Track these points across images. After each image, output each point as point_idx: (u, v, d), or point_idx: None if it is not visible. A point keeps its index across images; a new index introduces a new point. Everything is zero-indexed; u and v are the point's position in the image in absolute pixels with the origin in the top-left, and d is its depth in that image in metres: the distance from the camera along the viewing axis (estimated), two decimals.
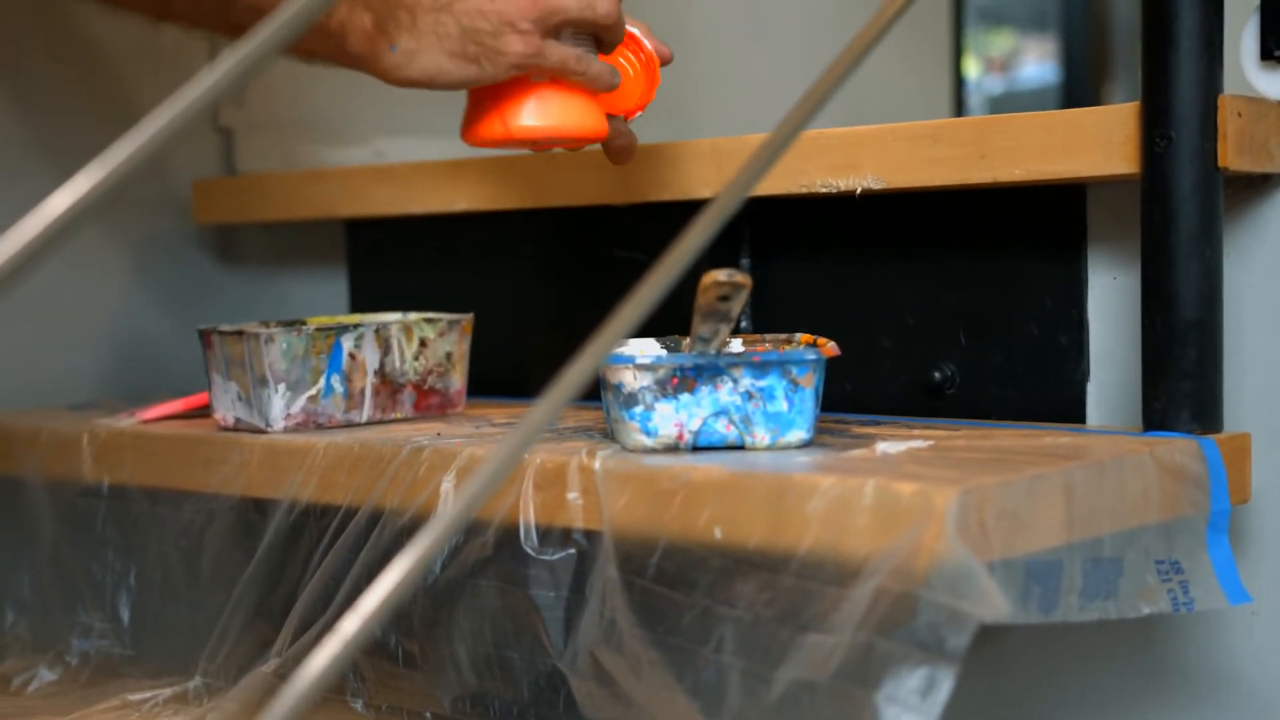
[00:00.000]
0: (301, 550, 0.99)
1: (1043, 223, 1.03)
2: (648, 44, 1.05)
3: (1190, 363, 0.90)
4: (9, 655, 1.15)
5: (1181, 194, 0.89)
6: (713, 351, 0.88)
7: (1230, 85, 0.91)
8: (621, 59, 1.05)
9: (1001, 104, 4.00)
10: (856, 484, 0.76)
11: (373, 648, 0.96)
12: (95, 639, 1.13)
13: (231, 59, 0.55)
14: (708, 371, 0.88)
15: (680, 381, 0.88)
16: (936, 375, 1.07)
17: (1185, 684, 1.01)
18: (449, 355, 1.13)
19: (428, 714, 0.95)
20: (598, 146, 1.06)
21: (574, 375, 0.64)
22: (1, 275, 0.46)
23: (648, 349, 0.97)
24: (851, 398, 1.10)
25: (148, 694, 1.05)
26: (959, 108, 2.53)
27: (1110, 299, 1.01)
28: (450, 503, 0.55)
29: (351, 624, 0.56)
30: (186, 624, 1.07)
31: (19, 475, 1.16)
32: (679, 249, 0.68)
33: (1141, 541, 0.85)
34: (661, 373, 0.88)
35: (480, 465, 0.58)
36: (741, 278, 0.83)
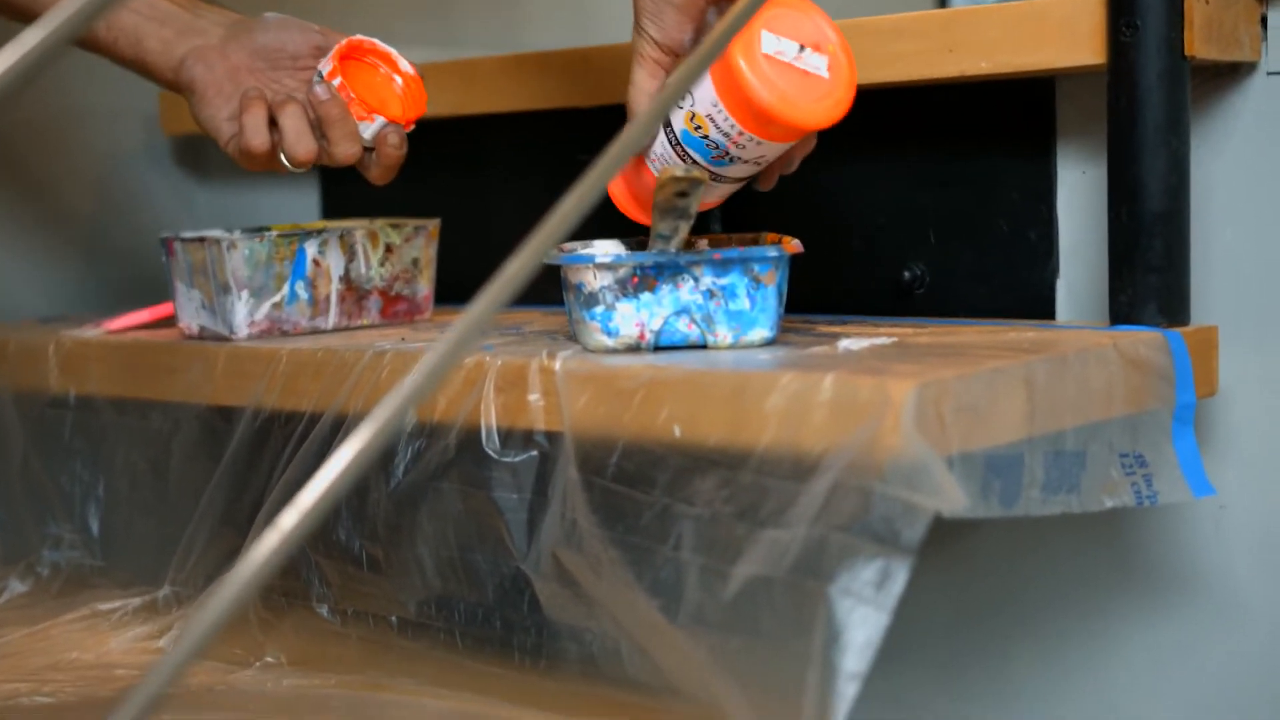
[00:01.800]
0: (266, 457, 0.99)
1: (1012, 118, 1.02)
2: (404, 64, 1.02)
3: (1157, 255, 0.89)
4: None
5: (1148, 83, 0.88)
6: (674, 250, 0.87)
7: None
8: (384, 72, 1.02)
9: None
10: (815, 379, 0.75)
11: (337, 553, 0.95)
12: (65, 550, 1.13)
13: None
14: (668, 270, 0.87)
15: (641, 280, 0.87)
16: (906, 274, 1.06)
17: (1153, 579, 1.01)
18: (415, 261, 1.12)
19: (393, 618, 0.94)
20: None
21: (509, 276, 0.62)
22: None
23: (612, 250, 0.96)
24: (821, 299, 1.09)
25: (117, 604, 1.04)
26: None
27: (1080, 194, 1.00)
28: (378, 407, 0.54)
29: (288, 520, 0.56)
30: (155, 534, 1.07)
31: None
32: (619, 144, 0.66)
33: (1105, 435, 0.84)
34: (622, 272, 0.87)
35: (417, 364, 0.57)
36: (698, 173, 0.82)
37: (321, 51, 1.01)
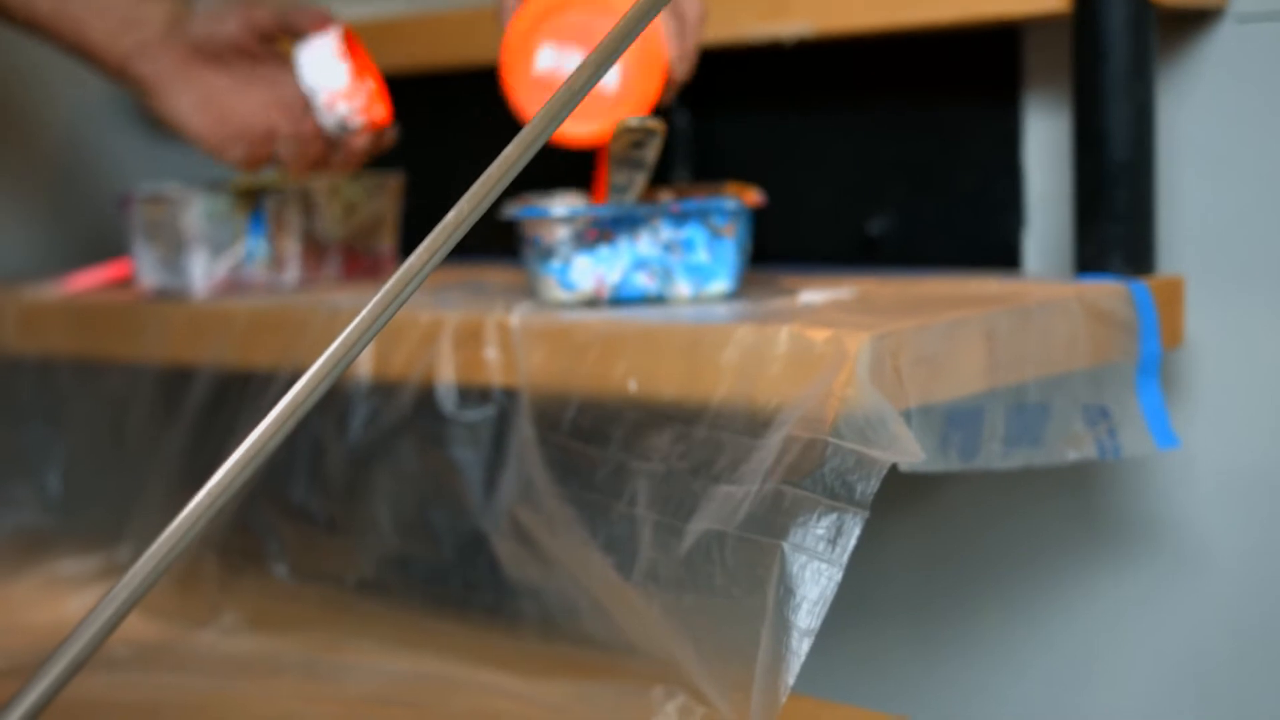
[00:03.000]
0: (224, 416, 0.97)
1: (978, 68, 1.01)
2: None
3: (1122, 205, 0.88)
4: None
5: (1113, 30, 0.87)
6: (630, 202, 0.86)
7: None
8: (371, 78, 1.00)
9: None
10: (770, 332, 0.74)
11: (294, 513, 0.94)
12: (25, 511, 1.12)
13: None
14: (626, 222, 0.86)
15: (598, 234, 0.86)
16: (871, 227, 1.04)
17: (1120, 530, 1.00)
18: (377, 216, 1.10)
19: (351, 578, 0.93)
20: None
21: (448, 226, 0.62)
22: None
23: (571, 202, 0.94)
24: (787, 251, 1.07)
25: (75, 565, 1.03)
26: None
27: (1047, 145, 0.99)
28: (315, 364, 0.53)
29: (214, 482, 0.54)
30: (114, 494, 1.05)
31: None
32: (560, 95, 0.65)
33: (1069, 387, 0.83)
34: (579, 225, 0.86)
35: (350, 321, 0.56)
36: (654, 123, 0.80)
37: (253, 26, 0.97)
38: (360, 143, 0.98)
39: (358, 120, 0.98)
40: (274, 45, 0.99)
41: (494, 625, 0.88)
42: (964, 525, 1.06)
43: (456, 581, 0.90)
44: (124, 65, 0.97)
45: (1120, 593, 1.00)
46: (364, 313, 0.57)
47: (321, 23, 0.98)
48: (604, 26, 0.80)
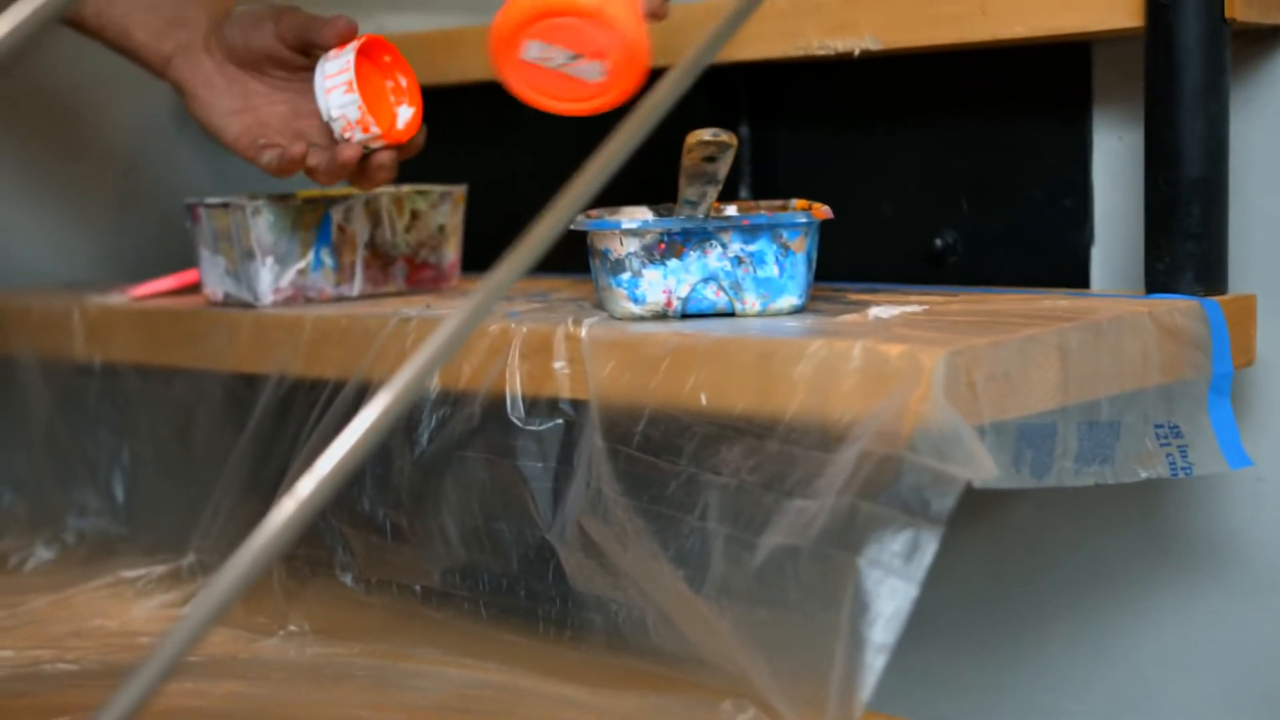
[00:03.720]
0: (291, 424, 0.98)
1: (1047, 83, 1.00)
2: (404, 80, 0.99)
3: (1194, 222, 0.88)
4: (6, 534, 1.15)
5: (1187, 47, 0.86)
6: (701, 216, 0.86)
7: None
8: (393, 81, 0.99)
9: None
10: (844, 347, 0.74)
11: (361, 522, 0.95)
12: (91, 517, 1.13)
13: None
14: (696, 236, 0.86)
15: (668, 247, 0.86)
16: (938, 242, 1.04)
17: (1188, 552, 1.00)
18: (441, 228, 1.11)
19: (417, 587, 0.94)
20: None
21: (533, 241, 0.61)
22: None
23: (639, 215, 0.94)
24: (852, 267, 1.07)
25: (141, 571, 1.04)
26: None
27: (1116, 160, 0.98)
28: (400, 371, 0.53)
29: (306, 487, 0.55)
30: (179, 501, 1.06)
31: (12, 353, 1.15)
32: (644, 109, 0.65)
33: (1140, 405, 0.82)
34: (648, 238, 0.86)
35: (438, 329, 0.56)
36: (727, 136, 0.80)
37: (281, 36, 0.96)
38: (385, 158, 0.97)
39: (377, 143, 0.97)
40: (307, 53, 0.98)
41: (560, 636, 0.88)
42: (1031, 541, 1.06)
43: (522, 592, 0.90)
44: (166, 67, 0.98)
45: (1188, 613, 1.00)
46: (452, 321, 0.57)
47: (344, 35, 0.96)
48: (597, 34, 0.82)
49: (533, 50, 0.84)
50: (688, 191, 0.85)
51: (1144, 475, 0.82)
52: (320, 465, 0.56)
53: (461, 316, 0.59)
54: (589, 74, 0.84)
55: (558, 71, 0.84)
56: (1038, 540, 1.06)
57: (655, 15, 0.89)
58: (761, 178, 1.12)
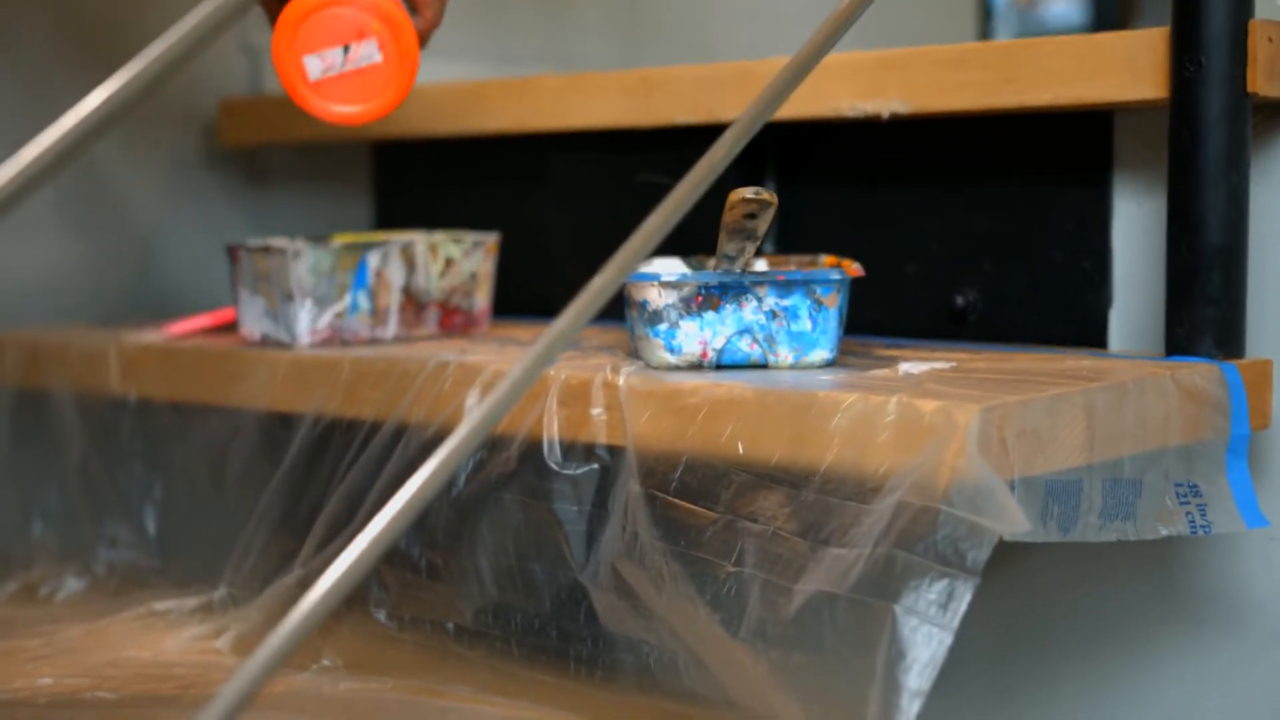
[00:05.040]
0: (326, 463, 1.00)
1: (1068, 148, 1.03)
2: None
3: (1215, 288, 0.91)
4: (37, 564, 1.17)
5: (1210, 119, 0.89)
6: (738, 270, 0.89)
7: (1261, 10, 0.90)
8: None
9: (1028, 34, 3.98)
10: (879, 401, 0.76)
11: (396, 559, 0.97)
12: (122, 549, 1.14)
13: None
14: (732, 290, 0.88)
15: (705, 299, 0.89)
16: (959, 300, 1.07)
17: (1202, 609, 1.02)
18: (474, 274, 1.13)
19: (450, 625, 0.96)
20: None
21: (596, 291, 0.64)
22: (33, 174, 0.47)
23: (672, 268, 0.97)
24: (874, 322, 1.10)
25: (173, 603, 1.06)
26: (985, 39, 2.51)
27: (1134, 225, 1.01)
28: (467, 417, 0.56)
29: (373, 532, 0.57)
30: (211, 536, 1.08)
31: (48, 388, 1.17)
32: (702, 167, 0.68)
33: (1161, 464, 0.85)
34: (686, 290, 0.89)
35: (502, 378, 0.59)
36: (768, 195, 0.83)
37: None
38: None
39: None
40: None
41: (591, 676, 0.90)
42: (1044, 594, 1.08)
43: (554, 632, 0.92)
44: None
45: (1201, 669, 1.02)
46: (515, 371, 0.60)
47: None
48: (344, 16, 0.91)
49: (314, 66, 0.92)
50: (727, 246, 0.87)
51: (1164, 533, 0.85)
52: (390, 508, 0.58)
53: (524, 366, 0.62)
54: (370, 56, 0.92)
55: (349, 72, 0.92)
56: (1050, 593, 1.09)
57: (424, 31, 0.97)
58: (787, 233, 1.15)
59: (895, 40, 1.10)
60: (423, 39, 0.97)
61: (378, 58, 0.92)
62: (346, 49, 0.91)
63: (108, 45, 1.39)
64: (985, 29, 2.52)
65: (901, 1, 1.94)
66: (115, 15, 1.40)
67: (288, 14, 0.92)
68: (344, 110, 0.93)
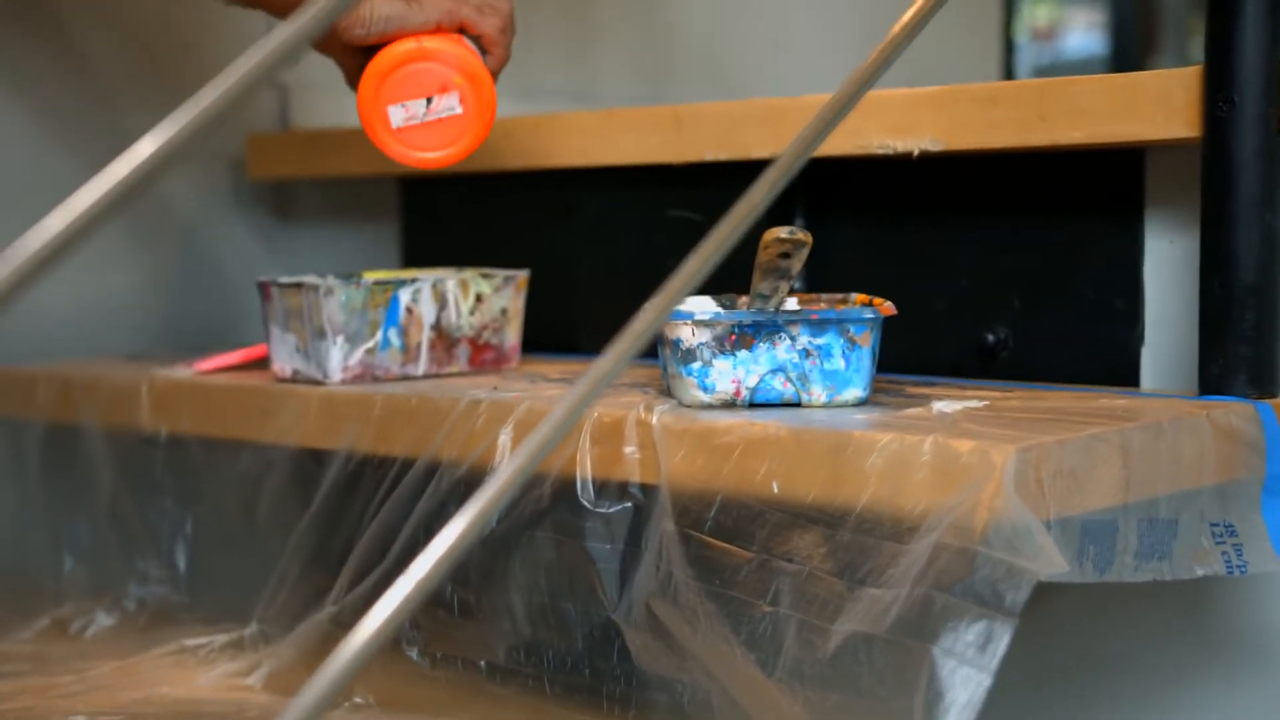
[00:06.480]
0: (358, 500, 1.00)
1: (1100, 186, 1.03)
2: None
3: (1248, 327, 0.90)
4: (68, 600, 1.17)
5: (1243, 158, 0.89)
6: (771, 309, 0.89)
7: None
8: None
9: (1049, 73, 3.99)
10: (915, 440, 0.76)
11: (429, 597, 0.97)
12: (152, 586, 1.15)
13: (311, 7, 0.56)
14: (766, 329, 0.89)
15: (738, 338, 0.89)
16: (990, 338, 1.07)
17: (1236, 649, 1.02)
18: (504, 311, 1.14)
19: (482, 663, 0.96)
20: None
21: (637, 331, 0.65)
22: (96, 213, 0.47)
23: (704, 306, 0.97)
24: (905, 359, 1.10)
25: (204, 640, 1.06)
26: (1009, 76, 2.52)
27: (1167, 263, 1.01)
28: (510, 456, 0.56)
29: (413, 576, 0.57)
30: (242, 572, 1.08)
31: (79, 423, 1.18)
32: (742, 207, 0.68)
33: (1196, 503, 0.85)
34: (720, 329, 0.89)
35: (543, 420, 0.59)
36: (803, 235, 0.83)
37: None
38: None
39: None
40: None
41: (625, 715, 0.90)
42: (1072, 632, 1.08)
43: (587, 670, 0.92)
44: None
45: (1230, 709, 1.01)
46: (564, 403, 0.60)
47: None
48: (429, 70, 0.98)
49: (398, 115, 0.99)
50: (761, 285, 0.88)
51: (1200, 572, 0.85)
52: (431, 550, 0.59)
53: (565, 408, 0.62)
54: (451, 108, 0.99)
55: (429, 122, 0.99)
56: (1078, 631, 1.08)
57: (496, 69, 1.03)
58: (816, 270, 1.15)
59: (920, 75, 1.10)
60: (494, 76, 1.03)
61: (458, 110, 0.99)
62: (429, 100, 0.98)
63: (173, 66, 1.40)
64: (1009, 64, 2.53)
65: (926, 38, 1.94)
66: (182, 36, 1.41)
67: (376, 65, 0.98)
68: (423, 156, 1.00)
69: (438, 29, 0.99)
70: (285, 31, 0.55)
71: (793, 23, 1.97)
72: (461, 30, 1.01)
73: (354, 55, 1.01)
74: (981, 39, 2.35)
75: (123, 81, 1.39)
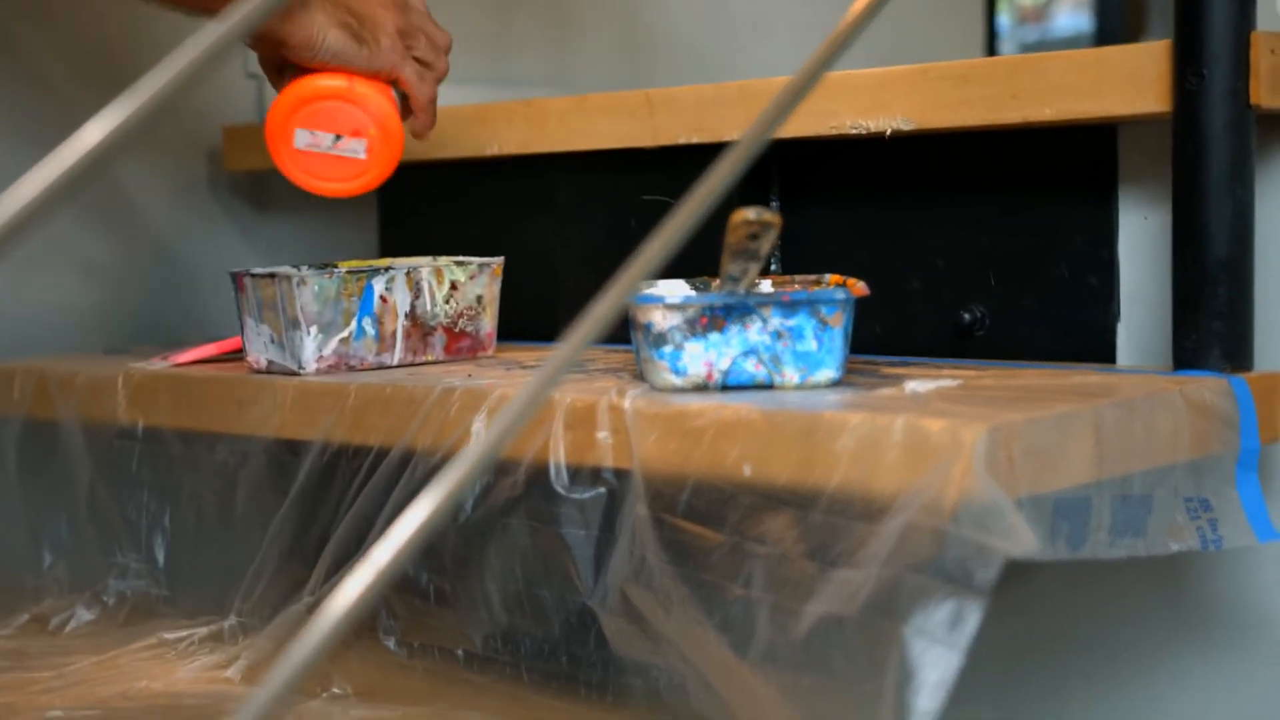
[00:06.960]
0: (334, 491, 1.00)
1: (1074, 163, 1.03)
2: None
3: (1221, 302, 0.90)
4: (47, 596, 1.17)
5: (1214, 132, 0.89)
6: (742, 291, 0.89)
7: (1263, 22, 0.90)
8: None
9: (1033, 52, 3.99)
10: (885, 421, 0.76)
11: (405, 586, 0.97)
12: (131, 579, 1.14)
13: None
14: (737, 311, 0.88)
15: (709, 321, 0.88)
16: (966, 316, 1.07)
17: (1214, 624, 1.01)
18: (479, 298, 1.13)
19: (459, 651, 0.95)
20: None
21: (599, 314, 0.64)
22: (37, 205, 0.47)
23: (677, 289, 0.97)
24: (881, 340, 1.10)
25: (183, 633, 1.06)
26: (991, 54, 2.51)
27: (1141, 239, 1.01)
28: (472, 443, 0.55)
29: (380, 558, 0.57)
30: (221, 564, 1.08)
31: (56, 418, 1.17)
32: (704, 188, 0.68)
33: (1171, 479, 0.85)
34: (691, 312, 0.88)
35: (508, 403, 0.59)
36: (770, 216, 0.83)
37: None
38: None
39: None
40: None
41: (601, 700, 0.90)
42: (1052, 613, 1.08)
43: (564, 657, 0.92)
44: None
45: (1209, 683, 1.01)
46: (521, 396, 0.60)
47: None
48: (350, 112, 1.02)
49: (303, 138, 1.02)
50: (730, 268, 0.87)
51: (1175, 548, 0.84)
52: (396, 534, 0.58)
53: (529, 391, 0.62)
54: (355, 151, 1.03)
55: (328, 154, 1.03)
56: (1054, 608, 1.08)
57: (417, 131, 1.08)
58: (792, 252, 1.15)
59: (903, 58, 1.09)
60: (417, 136, 1.08)
61: (361, 156, 1.03)
62: (338, 137, 1.02)
63: (118, 64, 1.39)
64: (992, 45, 2.52)
65: (908, 20, 1.94)
66: (125, 34, 1.40)
67: (301, 89, 1.01)
68: (310, 180, 1.04)
69: (374, 76, 1.02)
70: (241, 10, 0.55)
71: (774, 5, 1.97)
72: (395, 83, 1.05)
73: (287, 67, 1.03)
74: (963, 21, 2.35)
75: (68, 83, 1.38)
